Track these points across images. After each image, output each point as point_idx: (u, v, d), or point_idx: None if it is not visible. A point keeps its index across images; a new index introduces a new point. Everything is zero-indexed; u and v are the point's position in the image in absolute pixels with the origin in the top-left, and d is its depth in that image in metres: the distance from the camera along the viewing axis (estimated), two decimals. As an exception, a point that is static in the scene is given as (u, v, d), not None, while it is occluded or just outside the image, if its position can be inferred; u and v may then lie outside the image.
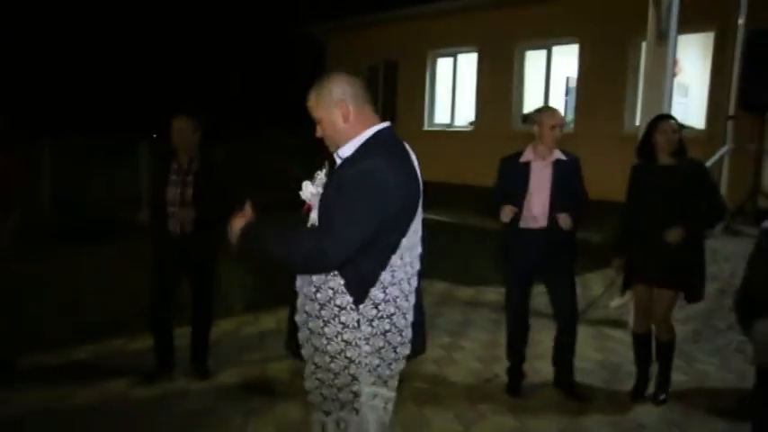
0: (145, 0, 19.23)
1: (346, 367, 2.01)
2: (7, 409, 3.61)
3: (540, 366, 4.36)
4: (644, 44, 9.45)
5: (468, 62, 12.18)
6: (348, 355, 2.01)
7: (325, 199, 2.02)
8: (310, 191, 2.11)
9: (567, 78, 11.16)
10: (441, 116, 12.83)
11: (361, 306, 1.99)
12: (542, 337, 4.60)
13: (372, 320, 2.01)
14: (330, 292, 2.00)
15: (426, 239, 2.26)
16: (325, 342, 2.02)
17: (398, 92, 13.33)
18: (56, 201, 9.67)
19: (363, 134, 2.09)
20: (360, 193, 1.93)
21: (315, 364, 2.06)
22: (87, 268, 6.70)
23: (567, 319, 4.04)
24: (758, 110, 6.67)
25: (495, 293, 6.21)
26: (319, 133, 2.17)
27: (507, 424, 3.66)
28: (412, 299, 2.11)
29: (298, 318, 2.09)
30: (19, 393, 3.80)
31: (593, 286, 6.51)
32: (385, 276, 2.01)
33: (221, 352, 4.51)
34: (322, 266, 1.98)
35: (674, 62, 6.94)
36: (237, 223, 2.07)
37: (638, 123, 7.55)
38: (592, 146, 10.09)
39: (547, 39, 10.81)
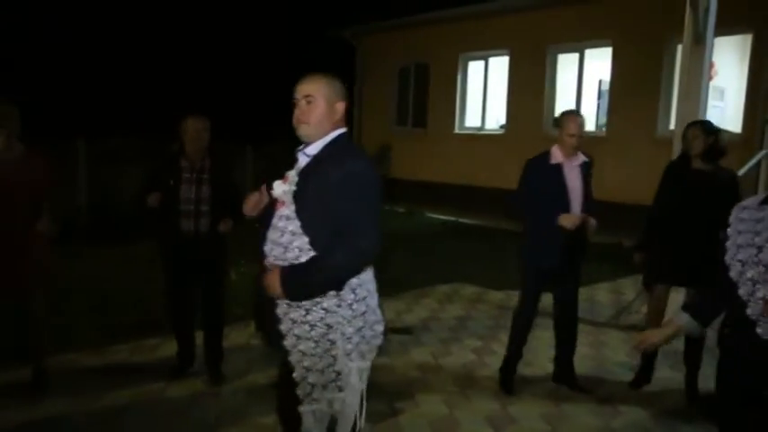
0: (181, 4, 19.54)
1: (328, 350, 2.18)
2: (39, 411, 3.63)
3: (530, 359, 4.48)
4: (679, 47, 9.32)
5: (500, 65, 12.16)
6: (330, 337, 2.17)
7: (316, 198, 2.11)
8: (282, 189, 2.20)
9: (600, 81, 11.06)
10: (471, 119, 12.81)
11: (341, 292, 2.15)
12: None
13: (351, 304, 2.18)
14: None
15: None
16: (308, 329, 2.16)
17: (429, 94, 13.36)
18: (91, 204, 9.85)
19: (331, 134, 2.22)
20: (365, 190, 2.12)
21: (301, 351, 2.18)
22: (120, 269, 6.85)
23: (571, 318, 4.12)
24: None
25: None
26: (301, 117, 2.20)
27: (538, 428, 3.68)
28: (375, 282, 2.32)
29: (279, 310, 2.18)
30: (51, 395, 3.81)
31: (626, 291, 6.47)
32: None
33: (253, 351, 4.59)
34: (365, 266, 2.19)
35: (710, 65, 6.85)
36: (274, 279, 2.11)
37: (672, 128, 7.47)
38: (624, 150, 10.01)
39: (579, 41, 10.74)
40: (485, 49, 12.25)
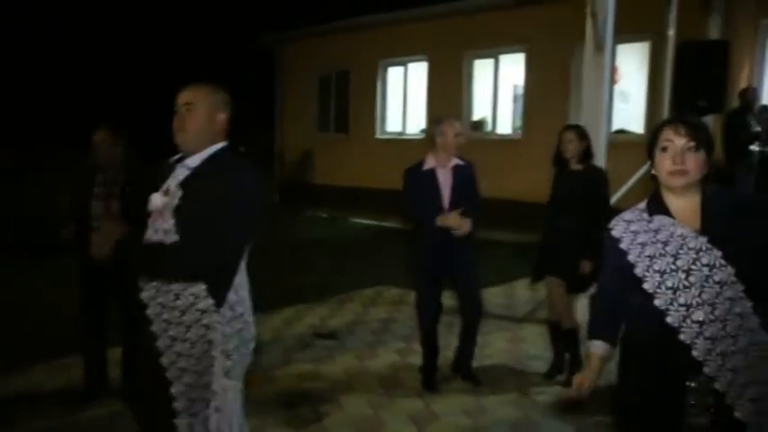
0: (90, 9, 18.83)
1: (210, 366, 2.11)
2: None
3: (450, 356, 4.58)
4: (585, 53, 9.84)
5: (419, 71, 12.39)
6: (212, 353, 2.12)
7: (194, 210, 2.05)
8: (161, 201, 2.12)
9: (515, 86, 11.46)
10: (392, 124, 12.99)
11: (221, 308, 2.11)
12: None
13: (230, 321, 2.14)
14: (192, 297, 2.08)
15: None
16: (189, 346, 2.10)
17: (350, 100, 13.45)
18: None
19: (212, 148, 2.17)
20: (237, 204, 2.06)
21: (180, 369, 2.11)
22: (39, 285, 6.56)
23: (473, 314, 4.30)
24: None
25: (447, 298, 6.37)
26: (179, 125, 2.16)
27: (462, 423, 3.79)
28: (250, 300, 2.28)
29: (155, 327, 2.10)
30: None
31: (541, 288, 6.71)
32: (237, 279, 2.16)
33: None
34: (200, 273, 2.08)
35: (614, 70, 7.25)
36: (114, 231, 2.09)
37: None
38: (539, 151, 10.34)
39: (494, 47, 11.09)
40: (404, 56, 12.45)
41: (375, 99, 12.96)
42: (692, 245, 1.92)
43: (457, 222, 4.04)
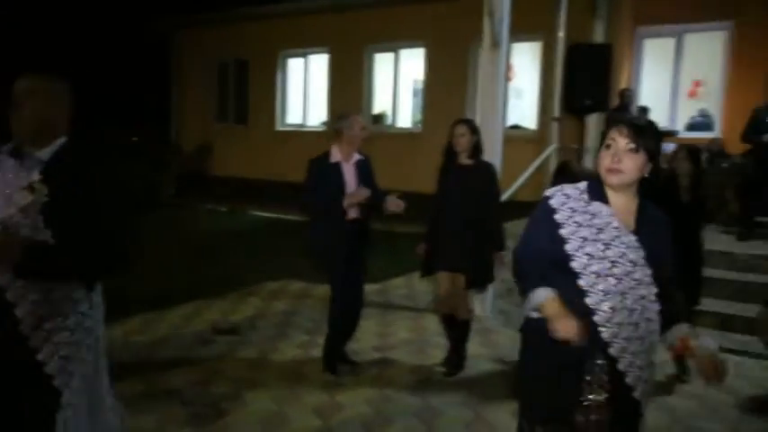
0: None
1: (89, 352, 2.17)
2: None
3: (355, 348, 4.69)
4: (481, 50, 10.18)
5: (320, 63, 12.33)
6: (88, 342, 2.16)
7: (76, 212, 2.04)
8: (25, 198, 2.04)
9: (415, 80, 11.66)
10: (293, 116, 12.86)
11: (91, 293, 2.17)
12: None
13: (99, 305, 2.24)
14: (67, 288, 2.10)
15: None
16: (68, 334, 2.10)
17: (250, 91, 13.18)
18: None
19: (59, 140, 2.15)
20: (114, 196, 2.15)
21: (64, 357, 2.09)
22: None
23: (358, 302, 4.41)
24: (578, 112, 7.47)
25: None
26: (18, 117, 2.08)
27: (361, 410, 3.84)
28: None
29: (28, 322, 2.04)
30: None
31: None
32: None
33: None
34: (123, 269, 2.18)
35: (509, 68, 7.55)
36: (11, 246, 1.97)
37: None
38: (439, 145, 10.59)
39: (394, 41, 11.23)
40: (304, 47, 12.35)
41: (275, 90, 12.77)
42: (624, 240, 2.05)
43: (359, 196, 4.12)
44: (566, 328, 1.98)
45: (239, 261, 7.60)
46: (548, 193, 2.17)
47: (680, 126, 9.55)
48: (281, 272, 7.06)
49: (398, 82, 11.55)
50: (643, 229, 2.07)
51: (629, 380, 2.03)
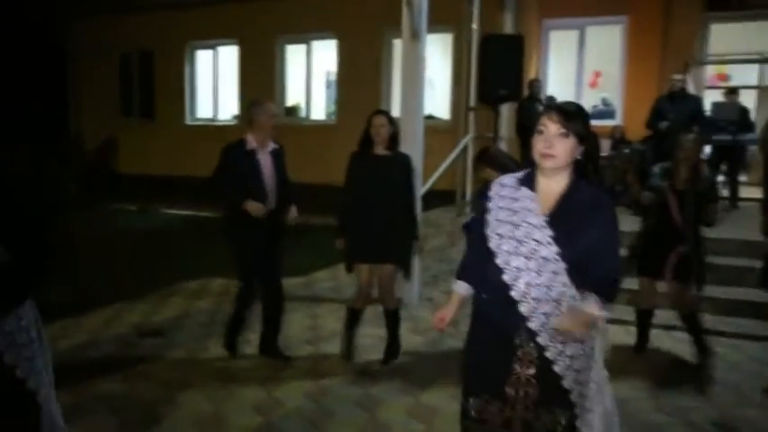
0: None
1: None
2: None
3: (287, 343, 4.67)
4: (394, 41, 10.27)
5: (230, 55, 12.02)
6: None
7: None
8: None
9: (328, 72, 11.60)
10: (203, 110, 12.48)
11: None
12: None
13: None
14: None
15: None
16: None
17: (156, 84, 12.65)
18: None
19: None
20: (29, 193, 2.15)
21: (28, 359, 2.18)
22: None
23: (276, 294, 4.40)
24: (492, 103, 7.67)
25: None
26: None
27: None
28: None
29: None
30: None
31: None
32: None
33: None
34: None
35: (423, 59, 7.64)
36: None
37: (394, 115, 8.16)
38: (353, 137, 10.54)
39: (306, 33, 11.11)
40: (213, 38, 11.99)
41: (183, 83, 12.35)
42: (532, 221, 2.14)
43: (258, 210, 4.09)
44: (436, 319, 2.31)
45: (155, 261, 7.31)
46: (492, 182, 2.31)
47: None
48: (199, 270, 6.84)
49: (311, 74, 11.46)
50: (561, 210, 2.14)
51: (548, 354, 2.11)
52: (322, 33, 11.00)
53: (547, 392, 2.14)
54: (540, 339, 2.11)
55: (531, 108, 8.43)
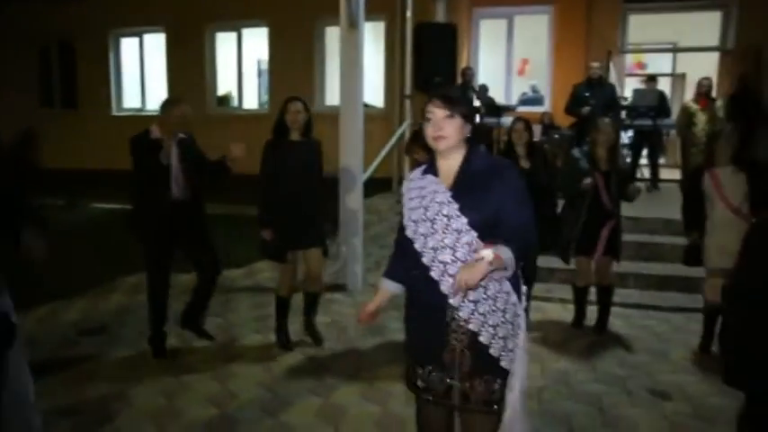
0: None
1: None
2: None
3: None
4: (326, 29, 10.24)
5: (156, 43, 11.64)
6: None
7: None
8: None
9: (259, 61, 11.44)
10: (130, 100, 12.05)
11: None
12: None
13: None
14: None
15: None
16: None
17: (78, 73, 12.11)
18: None
19: None
20: None
21: None
22: None
23: (209, 280, 4.48)
24: (428, 90, 7.81)
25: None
26: None
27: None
28: None
29: None
30: None
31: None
32: None
33: None
34: None
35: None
36: None
37: (335, 104, 8.16)
38: (288, 126, 10.59)
39: (236, 20, 10.90)
40: (138, 26, 11.57)
41: (108, 72, 11.86)
42: (439, 199, 2.27)
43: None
44: (362, 315, 2.44)
45: (90, 257, 7.07)
46: (408, 175, 2.48)
47: (515, 101, 10.35)
48: (137, 265, 6.62)
49: (243, 63, 11.27)
50: (460, 183, 2.27)
51: (472, 326, 2.22)
52: (253, 21, 10.82)
53: (478, 363, 2.25)
54: (461, 313, 2.23)
55: (465, 95, 8.61)
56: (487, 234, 2.19)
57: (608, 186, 4.65)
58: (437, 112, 2.26)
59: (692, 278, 5.34)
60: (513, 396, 2.26)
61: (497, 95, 9.92)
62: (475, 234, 2.21)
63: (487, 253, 2.07)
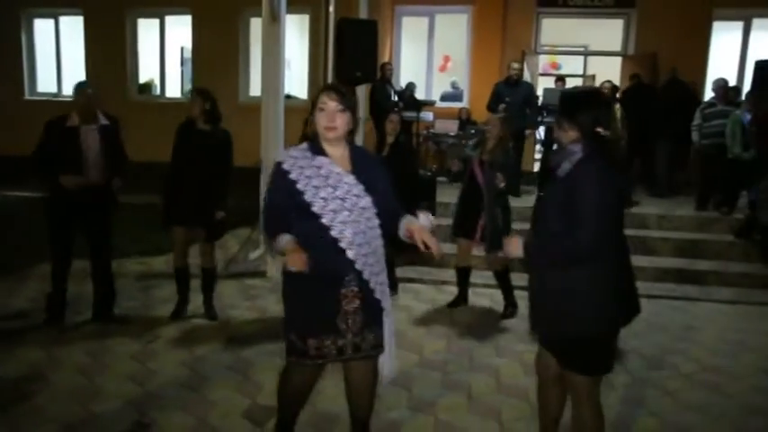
0: None
1: None
2: None
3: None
4: (251, 20, 10.28)
5: (74, 26, 11.32)
6: None
7: None
8: None
9: (182, 48, 11.34)
10: (45, 84, 11.67)
11: None
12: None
13: None
14: None
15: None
16: None
17: (-13, 55, 11.60)
18: None
19: None
20: None
21: None
22: None
23: (106, 266, 4.70)
24: (349, 83, 8.02)
25: (137, 264, 6.32)
26: None
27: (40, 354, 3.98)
28: None
29: None
30: None
31: (231, 245, 7.06)
32: None
33: None
34: None
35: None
36: None
37: (256, 94, 8.26)
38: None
39: (159, 7, 10.77)
40: (53, 7, 11.22)
41: (20, 55, 11.44)
42: (346, 180, 2.60)
43: (77, 183, 4.30)
44: (295, 260, 2.47)
45: (5, 244, 6.93)
46: (279, 158, 2.70)
47: (436, 97, 10.74)
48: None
49: (165, 50, 11.14)
50: (357, 168, 2.64)
51: (371, 285, 2.61)
52: (176, 8, 10.72)
53: (370, 316, 2.65)
54: (364, 276, 2.59)
55: (384, 90, 8.91)
56: (380, 211, 2.66)
57: (483, 172, 4.95)
58: (330, 105, 2.55)
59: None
60: (388, 332, 2.71)
61: (420, 91, 10.26)
62: (375, 211, 2.64)
63: (425, 220, 2.61)
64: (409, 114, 9.02)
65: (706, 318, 5.42)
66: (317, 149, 2.62)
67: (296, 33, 10.71)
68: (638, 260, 6.36)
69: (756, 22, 10.29)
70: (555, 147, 2.80)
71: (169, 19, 11.00)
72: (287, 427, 2.89)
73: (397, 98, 9.05)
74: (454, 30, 11.02)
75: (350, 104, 2.58)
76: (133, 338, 4.44)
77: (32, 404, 3.49)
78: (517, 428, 3.41)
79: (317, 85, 9.71)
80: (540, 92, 9.34)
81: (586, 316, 2.50)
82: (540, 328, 2.74)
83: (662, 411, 3.68)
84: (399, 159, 5.19)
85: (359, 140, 7.53)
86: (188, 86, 11.36)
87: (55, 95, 11.55)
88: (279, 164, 2.63)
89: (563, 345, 2.62)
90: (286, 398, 2.82)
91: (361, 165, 2.66)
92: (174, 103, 11.06)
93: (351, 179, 2.60)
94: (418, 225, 2.61)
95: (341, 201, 2.55)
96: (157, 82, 11.39)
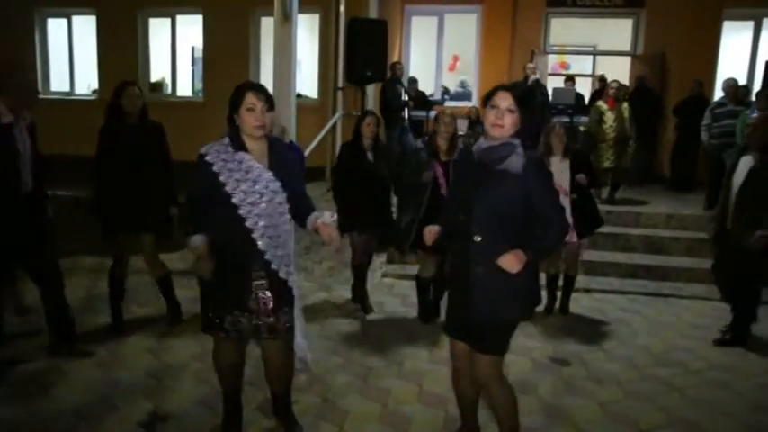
0: None
1: None
2: None
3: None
4: (262, 19, 10.35)
5: (86, 25, 11.42)
6: None
7: None
8: None
9: (193, 48, 11.41)
10: (58, 83, 11.78)
11: None
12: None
13: None
14: None
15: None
16: None
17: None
18: None
19: None
20: None
21: None
22: None
23: (54, 271, 4.08)
24: (359, 83, 8.08)
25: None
26: None
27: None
28: None
29: None
30: None
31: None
32: None
33: None
34: None
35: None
36: None
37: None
38: (221, 114, 10.52)
39: (170, 7, 10.85)
40: (66, 6, 11.33)
41: (34, 54, 11.54)
42: (265, 176, 2.82)
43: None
44: (204, 267, 2.81)
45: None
46: (202, 151, 2.85)
47: (442, 96, 10.79)
48: (69, 250, 6.60)
49: (177, 49, 11.22)
50: (274, 165, 2.86)
51: (282, 274, 2.85)
52: (187, 8, 10.80)
53: (279, 298, 2.88)
54: (273, 265, 2.82)
55: (394, 89, 8.97)
56: (292, 204, 2.90)
57: (447, 177, 4.43)
58: (259, 105, 2.78)
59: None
60: (297, 314, 2.99)
61: (429, 90, 10.31)
62: (287, 205, 2.87)
63: (329, 217, 2.83)
64: (419, 113, 9.08)
65: (714, 316, 5.44)
66: (238, 145, 2.81)
67: (306, 33, 10.77)
68: (646, 259, 6.58)
69: (767, 21, 10.27)
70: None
71: (180, 18, 11.07)
72: (230, 399, 3.12)
73: (407, 97, 9.10)
74: (463, 29, 11.05)
75: (273, 103, 2.85)
76: (148, 335, 4.51)
77: (49, 397, 3.56)
78: (530, 424, 3.45)
79: (328, 85, 9.83)
80: (549, 91, 9.37)
81: (529, 298, 2.76)
82: (477, 318, 2.70)
83: (669, 406, 3.71)
84: (382, 162, 5.04)
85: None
86: (198, 86, 11.45)
87: (67, 94, 11.67)
88: (202, 156, 2.82)
89: (491, 330, 2.73)
90: (220, 372, 3.06)
91: (278, 161, 2.88)
92: (185, 102, 11.18)
93: (269, 175, 2.81)
94: (322, 221, 2.83)
95: (259, 195, 2.77)
96: (169, 81, 11.47)
